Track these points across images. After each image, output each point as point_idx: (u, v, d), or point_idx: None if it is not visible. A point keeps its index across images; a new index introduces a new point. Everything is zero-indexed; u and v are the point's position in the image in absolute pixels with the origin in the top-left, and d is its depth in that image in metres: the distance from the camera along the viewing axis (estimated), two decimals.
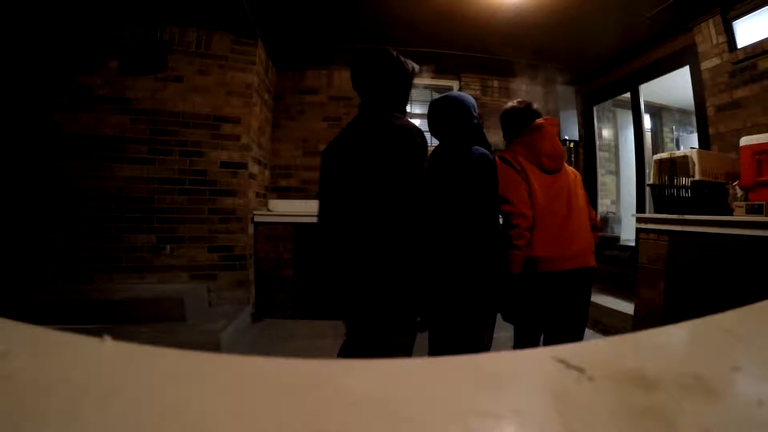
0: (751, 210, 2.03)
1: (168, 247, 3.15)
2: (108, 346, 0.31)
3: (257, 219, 3.53)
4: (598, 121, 4.53)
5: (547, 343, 1.75)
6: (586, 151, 4.50)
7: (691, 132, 4.85)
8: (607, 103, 4.53)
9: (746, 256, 1.97)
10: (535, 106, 1.82)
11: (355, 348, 1.40)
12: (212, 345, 2.53)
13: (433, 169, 1.51)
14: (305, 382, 0.29)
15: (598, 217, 4.38)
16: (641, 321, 2.66)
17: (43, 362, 0.29)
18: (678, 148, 4.71)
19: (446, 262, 1.43)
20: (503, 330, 1.78)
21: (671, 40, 3.28)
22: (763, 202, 1.99)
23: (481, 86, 4.38)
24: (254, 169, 3.53)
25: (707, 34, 2.89)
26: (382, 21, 3.29)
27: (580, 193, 1.81)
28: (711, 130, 2.91)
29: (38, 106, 2.94)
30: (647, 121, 4.60)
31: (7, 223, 2.81)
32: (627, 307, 3.03)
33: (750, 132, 2.45)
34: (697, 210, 2.31)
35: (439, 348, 1.53)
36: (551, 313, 1.69)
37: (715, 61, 2.84)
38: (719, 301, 1.81)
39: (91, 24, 3.02)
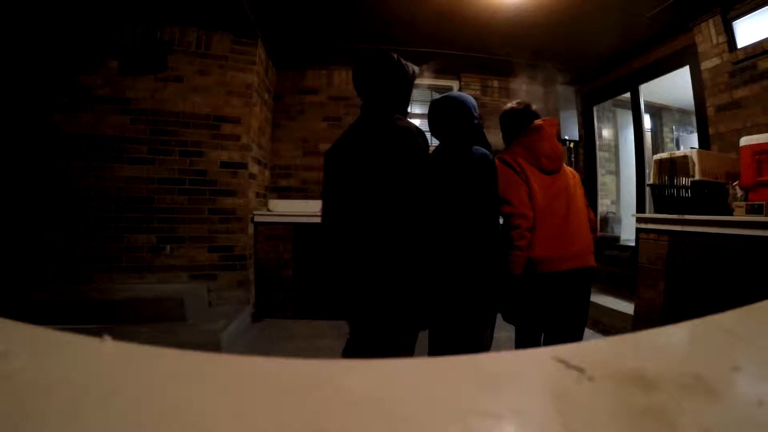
0: (751, 210, 2.03)
1: (168, 247, 3.15)
2: (108, 346, 0.31)
3: (257, 219, 3.53)
4: (598, 121, 4.53)
5: (547, 343, 1.76)
6: (586, 151, 4.50)
7: (691, 132, 4.85)
8: (607, 103, 4.53)
9: (746, 256, 1.97)
10: (534, 107, 1.82)
11: (358, 347, 1.41)
12: (212, 345, 2.53)
13: (434, 170, 1.51)
14: (305, 382, 0.29)
15: (599, 217, 4.42)
16: (641, 321, 2.66)
17: (43, 362, 0.29)
18: (678, 148, 4.71)
19: (447, 261, 1.44)
20: (503, 330, 1.78)
21: (671, 40, 3.28)
22: (763, 202, 1.99)
23: (481, 86, 4.38)
24: (254, 169, 3.53)
25: (707, 34, 2.89)
26: (382, 21, 3.29)
27: (579, 193, 1.82)
28: (711, 130, 2.91)
29: (38, 106, 2.94)
30: (647, 121, 4.60)
31: (7, 223, 2.81)
32: (627, 307, 3.03)
33: (750, 132, 2.45)
34: (697, 210, 2.31)
35: (439, 347, 1.53)
36: (551, 313, 1.70)
37: (715, 61, 2.84)
38: (719, 301, 1.81)
39: (91, 24, 3.02)
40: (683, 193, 2.43)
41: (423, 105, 4.29)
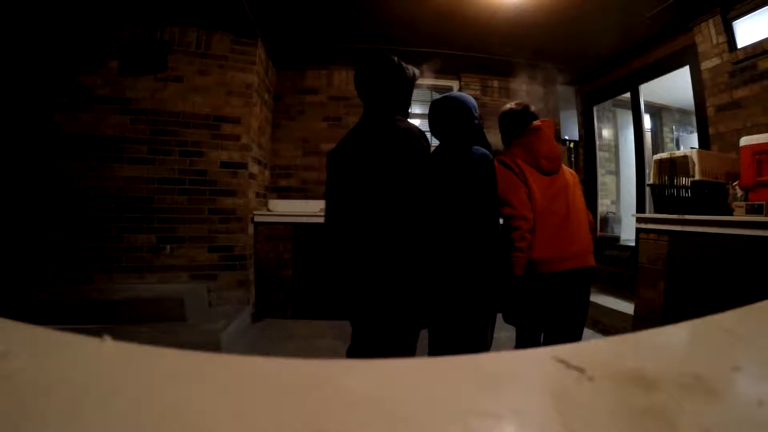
0: (751, 210, 2.03)
1: (168, 247, 3.15)
2: (108, 346, 0.31)
3: (257, 219, 3.53)
4: (598, 121, 4.53)
5: (546, 343, 1.76)
6: (586, 151, 4.50)
7: (691, 132, 4.85)
8: (607, 103, 4.53)
9: (746, 256, 1.97)
10: (533, 108, 1.83)
11: (361, 345, 1.42)
12: (212, 345, 2.53)
13: (434, 170, 1.51)
14: (305, 382, 0.29)
15: (598, 217, 4.42)
16: (641, 321, 2.66)
17: (43, 362, 0.29)
18: (678, 148, 4.71)
19: (448, 259, 1.44)
20: (503, 330, 1.78)
21: (671, 40, 3.28)
22: (763, 202, 1.99)
23: (481, 86, 4.38)
24: (254, 169, 3.53)
25: (707, 34, 2.89)
26: (382, 21, 3.29)
27: (578, 193, 1.83)
28: (711, 130, 2.91)
29: (38, 106, 2.94)
30: (647, 121, 4.60)
31: (7, 223, 2.81)
32: (627, 307, 3.03)
33: (750, 132, 2.45)
34: (697, 210, 2.31)
35: (439, 346, 1.54)
36: (551, 313, 1.71)
37: (715, 61, 2.84)
38: (719, 301, 1.81)
39: (91, 24, 3.02)
40: (683, 193, 2.43)
41: (423, 105, 4.29)
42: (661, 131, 5.06)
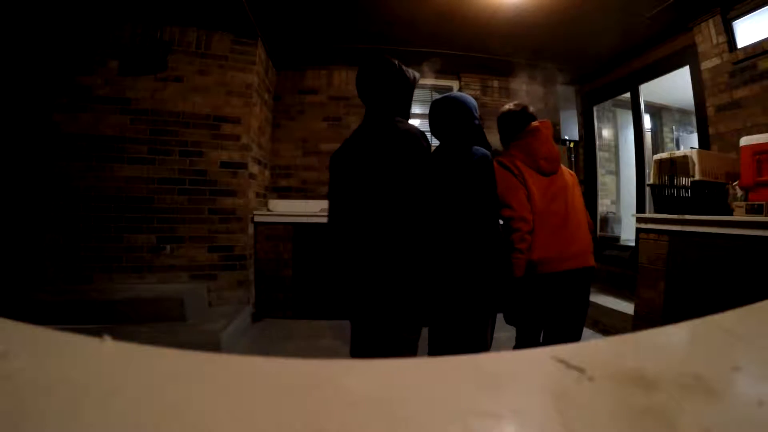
0: (751, 210, 2.03)
1: (168, 247, 3.15)
2: (108, 346, 0.31)
3: (257, 219, 3.53)
4: (598, 121, 4.53)
5: (546, 342, 1.77)
6: (586, 151, 4.50)
7: (691, 132, 4.85)
8: (607, 103, 4.53)
9: (746, 256, 1.97)
10: (531, 109, 1.83)
11: (363, 344, 1.43)
12: (212, 345, 2.53)
13: (435, 170, 1.52)
14: (305, 382, 0.29)
15: (598, 216, 4.42)
16: (641, 321, 2.66)
17: (43, 362, 0.29)
18: (678, 148, 4.71)
19: (448, 259, 1.45)
20: (503, 330, 1.78)
21: (671, 40, 3.28)
22: (763, 202, 1.99)
23: (481, 86, 4.38)
24: (254, 169, 3.53)
25: (707, 34, 2.89)
26: (382, 21, 3.29)
27: (577, 193, 1.83)
28: (711, 130, 2.91)
29: (38, 106, 2.94)
30: (647, 121, 4.60)
31: (7, 223, 2.81)
32: (627, 307, 3.03)
33: (750, 132, 2.45)
34: (697, 210, 2.31)
35: (439, 345, 1.54)
36: (551, 312, 1.71)
37: (715, 61, 2.84)
38: (719, 301, 1.81)
39: (91, 24, 3.02)
40: (683, 193, 2.43)
41: (423, 105, 4.29)
42: (661, 131, 5.06)
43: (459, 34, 3.48)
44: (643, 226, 2.70)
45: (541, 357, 0.33)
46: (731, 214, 2.16)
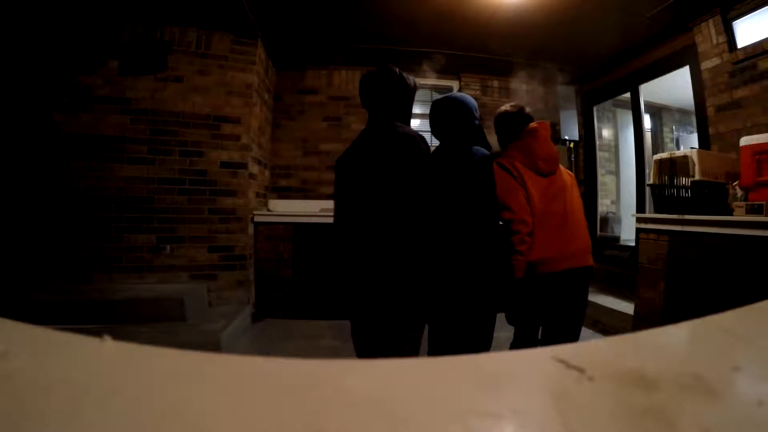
0: (751, 210, 2.03)
1: (168, 247, 3.15)
2: (108, 346, 0.31)
3: (257, 219, 3.53)
4: (598, 121, 4.53)
5: (544, 341, 1.78)
6: (586, 151, 4.50)
7: (691, 132, 4.85)
8: (607, 103, 4.53)
9: (746, 256, 1.97)
10: (528, 109, 1.83)
11: (366, 344, 1.45)
12: (212, 345, 2.53)
13: (435, 170, 1.52)
14: (305, 382, 0.29)
15: (598, 216, 4.41)
16: (641, 321, 2.66)
17: (43, 362, 0.29)
18: (678, 148, 4.71)
19: (448, 258, 1.45)
20: (503, 330, 1.79)
21: (671, 40, 3.28)
22: (763, 202, 1.99)
23: (481, 86, 4.38)
24: (254, 169, 3.53)
25: (707, 34, 2.89)
26: (382, 21, 3.29)
27: (576, 193, 1.84)
28: (711, 130, 2.91)
29: (38, 106, 2.94)
30: (647, 121, 4.60)
31: (7, 223, 2.81)
32: (627, 307, 3.03)
33: (750, 132, 2.45)
34: (697, 210, 2.31)
35: (440, 344, 1.54)
36: (550, 312, 1.72)
37: (715, 61, 2.84)
38: (719, 301, 1.81)
39: (91, 24, 3.02)
40: (683, 193, 2.43)
41: (424, 105, 4.29)
42: (661, 131, 5.06)
43: (459, 34, 3.48)
44: (643, 226, 2.70)
45: (541, 357, 0.33)
46: (731, 214, 2.16)
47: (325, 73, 4.19)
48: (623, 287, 3.54)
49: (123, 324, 2.56)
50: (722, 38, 2.78)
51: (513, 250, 1.59)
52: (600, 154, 4.52)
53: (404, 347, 1.39)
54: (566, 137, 4.11)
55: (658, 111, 4.97)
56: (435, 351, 1.54)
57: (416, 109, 4.54)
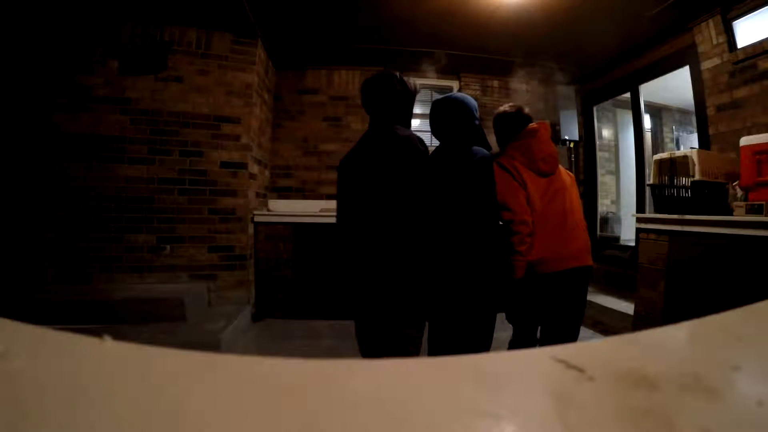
0: (751, 210, 2.03)
1: (168, 247, 3.15)
2: (108, 346, 0.31)
3: (257, 219, 3.53)
4: (598, 121, 4.53)
5: (543, 340, 1.78)
6: (586, 151, 4.50)
7: (691, 132, 4.85)
8: (607, 103, 4.53)
9: (746, 256, 1.97)
10: (526, 110, 1.83)
11: (372, 343, 1.46)
12: (212, 345, 2.53)
13: (435, 170, 1.52)
14: (305, 382, 0.29)
15: (598, 216, 4.41)
16: (641, 321, 2.66)
17: (43, 362, 0.29)
18: (678, 148, 4.72)
19: (448, 258, 1.46)
20: (503, 330, 1.79)
21: (671, 40, 3.28)
22: (763, 202, 1.99)
23: (481, 86, 4.38)
24: (254, 169, 3.53)
25: (707, 34, 2.89)
26: (382, 21, 3.29)
27: (575, 193, 1.84)
28: (711, 130, 2.91)
29: (38, 106, 2.94)
30: (647, 121, 4.60)
31: (7, 223, 2.81)
32: (627, 307, 3.03)
33: (750, 132, 2.45)
34: (697, 210, 2.31)
35: (440, 343, 1.54)
36: (549, 311, 1.72)
37: (715, 61, 2.84)
38: (719, 301, 1.81)
39: (91, 24, 3.02)
40: (683, 193, 2.43)
41: (424, 105, 4.29)
42: (661, 131, 5.06)
43: (459, 34, 3.48)
44: (643, 226, 2.70)
45: (541, 357, 0.33)
46: (731, 214, 2.16)
47: (325, 73, 4.19)
48: (623, 287, 3.53)
49: (123, 324, 2.56)
50: (722, 38, 2.78)
51: (513, 250, 1.59)
52: (600, 154, 4.52)
53: (407, 347, 1.40)
54: (566, 137, 4.11)
55: (658, 111, 4.98)
56: (435, 351, 1.54)
57: (416, 109, 4.55)
